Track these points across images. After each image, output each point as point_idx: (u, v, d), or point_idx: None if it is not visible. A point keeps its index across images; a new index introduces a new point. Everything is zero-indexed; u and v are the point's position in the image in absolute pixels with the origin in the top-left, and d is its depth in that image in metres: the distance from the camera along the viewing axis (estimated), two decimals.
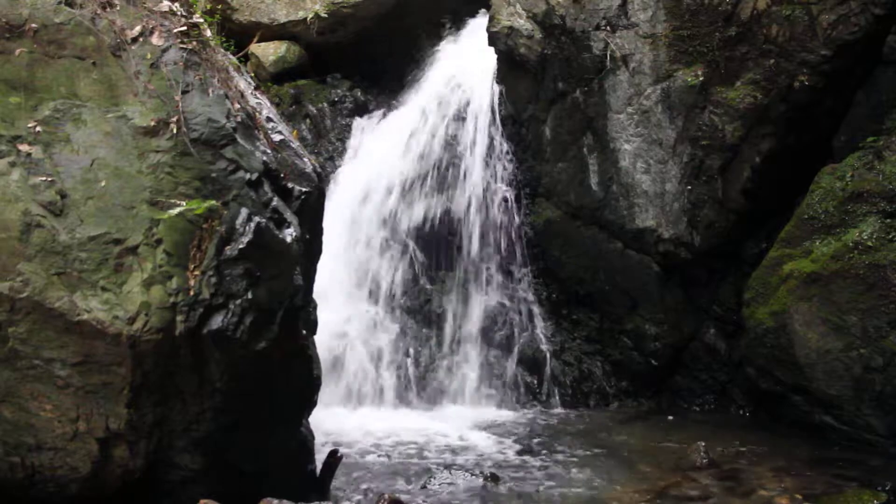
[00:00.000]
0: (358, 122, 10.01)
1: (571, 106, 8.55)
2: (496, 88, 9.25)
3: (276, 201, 5.23)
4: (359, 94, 10.31)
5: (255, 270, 4.93)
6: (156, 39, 5.14)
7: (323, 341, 7.04)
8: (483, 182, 9.01)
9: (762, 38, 7.43)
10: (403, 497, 5.67)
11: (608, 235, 8.41)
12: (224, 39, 6.15)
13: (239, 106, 5.26)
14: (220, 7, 8.73)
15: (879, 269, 6.63)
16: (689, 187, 7.88)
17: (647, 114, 8.01)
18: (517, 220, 8.98)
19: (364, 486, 6.16)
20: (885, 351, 6.60)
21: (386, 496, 5.39)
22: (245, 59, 7.86)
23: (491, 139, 9.14)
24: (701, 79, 7.72)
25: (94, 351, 4.64)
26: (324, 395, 7.07)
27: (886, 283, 6.59)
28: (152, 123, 4.95)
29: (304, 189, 5.56)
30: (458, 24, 10.31)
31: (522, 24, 8.80)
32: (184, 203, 4.82)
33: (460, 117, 9.29)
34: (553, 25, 8.58)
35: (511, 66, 9.03)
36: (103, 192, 4.81)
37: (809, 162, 7.38)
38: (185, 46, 5.19)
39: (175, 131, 4.94)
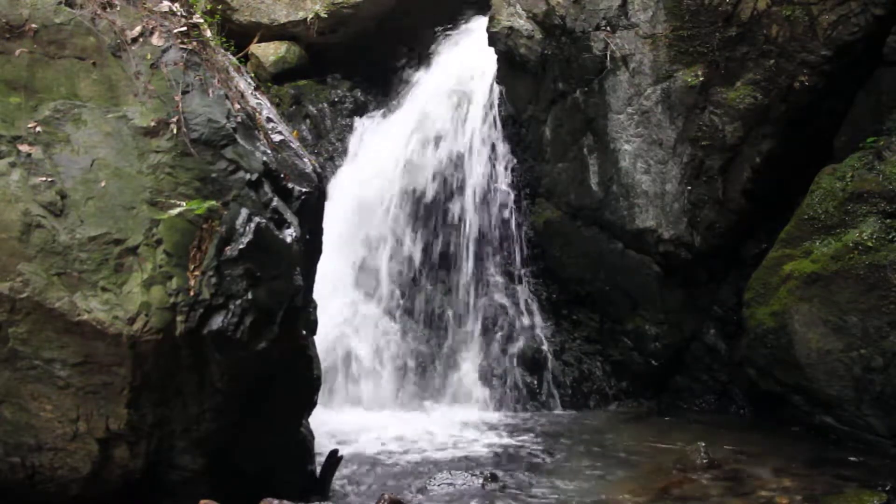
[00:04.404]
0: (358, 123, 10.01)
1: (571, 106, 8.54)
2: (496, 89, 9.25)
3: (276, 201, 5.24)
4: (359, 94, 10.31)
5: (255, 271, 4.94)
6: (156, 40, 5.15)
7: (323, 342, 7.05)
8: (483, 182, 9.01)
9: (762, 38, 7.43)
10: (403, 497, 5.67)
11: (608, 236, 8.41)
12: (224, 40, 6.15)
13: (239, 106, 5.27)
14: (220, 7, 8.72)
15: (879, 269, 6.63)
16: (690, 188, 7.87)
17: (647, 114, 8.01)
18: (517, 220, 8.98)
19: (364, 486, 6.16)
20: (885, 351, 6.60)
21: (386, 496, 5.39)
22: (245, 59, 7.85)
23: (491, 139, 9.14)
24: (701, 79, 7.71)
25: (95, 351, 4.64)
26: (324, 395, 7.09)
27: (886, 284, 6.59)
28: (152, 124, 4.95)
29: (304, 189, 5.56)
30: (458, 24, 10.31)
31: (522, 24, 8.80)
32: (184, 203, 4.82)
33: (460, 117, 9.29)
34: (553, 26, 8.58)
35: (511, 67, 9.03)
36: (103, 192, 4.81)
37: (809, 162, 7.37)
38: (185, 47, 5.19)
39: (175, 132, 4.94)
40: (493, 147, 9.13)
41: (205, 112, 5.05)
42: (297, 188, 5.52)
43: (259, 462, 5.31)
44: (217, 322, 4.79)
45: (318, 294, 6.12)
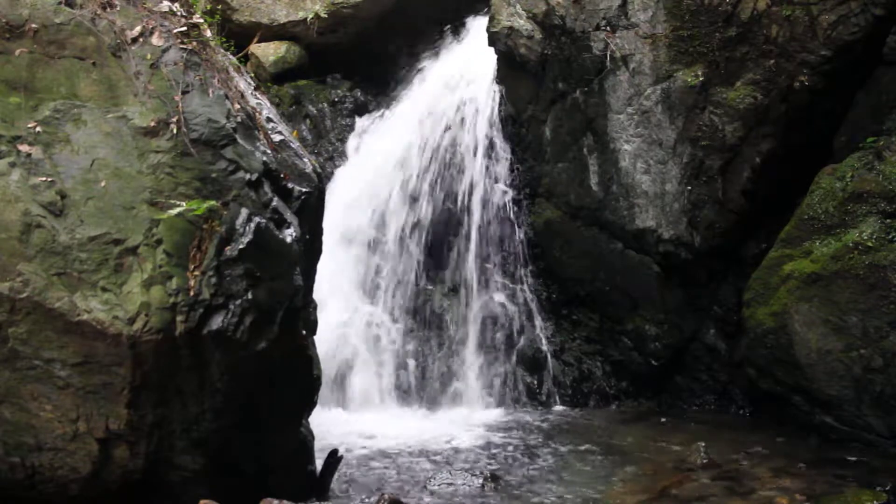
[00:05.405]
0: (358, 123, 10.00)
1: (571, 106, 8.54)
2: (496, 88, 9.24)
3: (276, 201, 5.24)
4: (359, 94, 10.31)
5: (255, 271, 4.94)
6: (156, 40, 5.15)
7: (323, 342, 7.05)
8: (483, 182, 9.01)
9: (762, 38, 7.43)
10: (403, 497, 5.68)
11: (608, 236, 8.41)
12: (224, 40, 6.15)
13: (239, 106, 5.27)
14: (220, 7, 8.71)
15: (879, 269, 6.63)
16: (690, 188, 7.88)
17: (647, 114, 8.01)
18: (517, 220, 8.98)
19: (364, 486, 6.16)
20: (885, 351, 6.60)
21: (386, 496, 5.39)
22: (245, 59, 7.85)
23: (491, 139, 9.13)
24: (701, 79, 7.71)
25: (95, 351, 4.64)
26: (324, 395, 7.08)
27: (886, 284, 6.59)
28: (152, 124, 4.95)
29: (304, 189, 5.56)
30: (458, 24, 10.31)
31: (522, 24, 8.80)
32: (184, 203, 4.83)
33: (460, 117, 9.28)
34: (553, 26, 8.58)
35: (511, 67, 9.03)
36: (103, 192, 4.81)
37: (809, 162, 7.38)
38: (185, 47, 5.20)
39: (175, 132, 4.95)
40: (493, 147, 9.12)
41: (205, 112, 5.06)
42: (297, 188, 5.52)
43: (259, 462, 5.31)
44: (217, 322, 4.79)
45: (317, 294, 6.12)
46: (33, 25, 5.02)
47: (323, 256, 6.18)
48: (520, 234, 8.96)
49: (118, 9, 5.17)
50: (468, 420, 7.88)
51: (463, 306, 8.74)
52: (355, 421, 7.74)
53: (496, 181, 9.06)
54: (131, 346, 4.61)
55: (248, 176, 5.06)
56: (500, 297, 8.79)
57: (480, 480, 6.17)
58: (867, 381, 6.69)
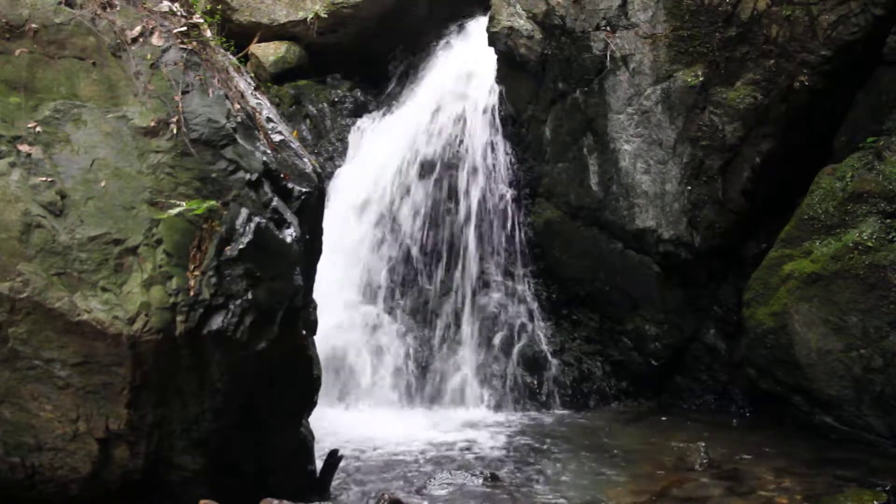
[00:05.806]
0: (358, 123, 10.00)
1: (571, 106, 8.54)
2: (496, 88, 9.25)
3: (276, 201, 5.24)
4: (359, 94, 10.31)
5: (255, 271, 4.94)
6: (156, 40, 5.15)
7: (323, 341, 7.05)
8: (483, 182, 9.01)
9: (762, 38, 7.44)
10: (403, 497, 5.67)
11: (608, 236, 8.41)
12: (224, 40, 6.15)
13: (239, 106, 5.27)
14: (220, 7, 8.71)
15: (879, 269, 6.63)
16: (690, 188, 7.88)
17: (647, 114, 8.01)
18: (517, 220, 8.97)
19: (364, 487, 6.16)
20: (885, 351, 6.60)
21: (386, 496, 5.39)
22: (245, 59, 7.84)
23: (491, 139, 9.13)
24: (701, 79, 7.72)
25: (95, 351, 4.64)
26: (324, 395, 7.08)
27: (886, 284, 6.59)
28: (152, 124, 4.95)
29: (304, 189, 5.56)
30: (458, 24, 10.31)
31: (522, 24, 8.80)
32: (184, 203, 4.82)
33: (460, 117, 9.29)
34: (553, 26, 8.58)
35: (511, 67, 9.03)
36: (103, 192, 4.81)
37: (809, 162, 7.38)
38: (185, 47, 5.19)
39: (175, 132, 4.94)
40: (493, 147, 9.12)
41: (205, 112, 5.06)
42: (297, 188, 5.51)
43: (259, 462, 5.31)
44: (217, 322, 4.79)
45: (317, 293, 6.12)
46: (33, 25, 5.02)
47: (323, 256, 6.18)
48: (520, 234, 8.96)
49: (118, 9, 5.17)
50: (468, 420, 7.89)
51: (463, 306, 8.74)
52: (356, 421, 7.74)
53: (496, 181, 9.06)
54: (131, 346, 4.61)
55: (248, 176, 5.06)
56: (499, 296, 8.79)
57: (480, 480, 6.17)
58: (867, 381, 6.69)
